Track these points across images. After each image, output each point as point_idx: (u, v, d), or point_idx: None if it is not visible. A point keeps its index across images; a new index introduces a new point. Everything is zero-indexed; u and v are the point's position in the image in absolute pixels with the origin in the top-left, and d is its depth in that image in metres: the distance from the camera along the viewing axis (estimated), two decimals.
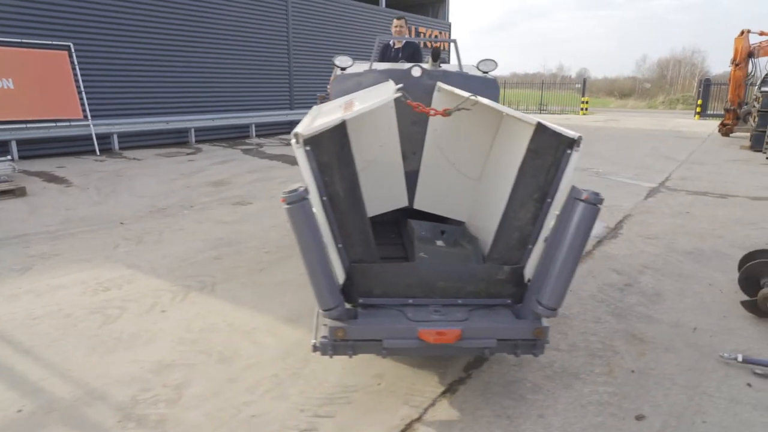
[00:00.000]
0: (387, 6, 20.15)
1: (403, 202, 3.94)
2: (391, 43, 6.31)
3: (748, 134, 13.91)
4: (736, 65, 15.38)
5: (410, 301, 2.54)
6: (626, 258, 4.94)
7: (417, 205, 3.94)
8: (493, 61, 4.23)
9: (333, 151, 2.42)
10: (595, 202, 2.16)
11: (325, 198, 2.38)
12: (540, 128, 2.47)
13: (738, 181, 8.81)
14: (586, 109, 27.99)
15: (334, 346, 2.40)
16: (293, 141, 2.21)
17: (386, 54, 6.24)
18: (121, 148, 11.75)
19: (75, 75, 10.76)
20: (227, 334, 3.42)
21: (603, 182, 8.65)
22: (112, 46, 11.47)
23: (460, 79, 3.89)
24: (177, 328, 3.49)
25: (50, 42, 10.45)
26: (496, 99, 3.80)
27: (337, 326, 2.36)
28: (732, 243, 5.39)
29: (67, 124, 10.63)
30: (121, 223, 5.96)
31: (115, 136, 11.60)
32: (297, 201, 2.09)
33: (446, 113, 2.91)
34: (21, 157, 10.17)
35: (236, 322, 3.59)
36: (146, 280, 4.32)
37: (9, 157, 8.49)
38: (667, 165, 10.48)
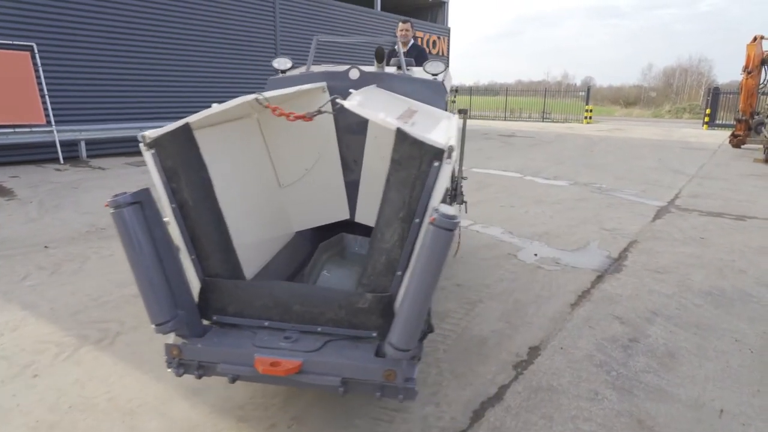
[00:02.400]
0: (383, 9, 19.41)
1: (344, 215, 3.75)
2: (396, 47, 6.08)
3: (762, 146, 13.04)
4: (748, 73, 14.50)
5: (266, 323, 2.33)
6: (632, 301, 4.08)
7: (358, 218, 3.69)
8: (442, 62, 3.71)
9: (178, 155, 2.27)
10: (444, 226, 1.83)
11: (174, 205, 2.27)
12: (400, 135, 2.11)
13: (755, 200, 7.93)
14: (590, 117, 27.14)
15: (179, 364, 2.27)
16: (140, 144, 2.19)
17: (390, 59, 6.10)
18: (89, 156, 10.98)
19: (38, 77, 10.01)
20: (102, 414, 2.59)
21: (606, 200, 7.80)
22: (81, 46, 10.72)
23: (401, 81, 3.52)
24: (41, 405, 2.66)
25: (11, 42, 9.71)
26: (441, 103, 3.49)
27: (172, 344, 2.24)
28: (757, 279, 4.53)
29: (28, 129, 9.86)
30: (46, 247, 5.15)
31: (83, 143, 10.82)
32: (121, 206, 2.02)
33: (306, 117, 2.45)
34: None
35: (122, 393, 2.76)
36: (36, 327, 3.49)
37: None
38: (676, 180, 9.62)
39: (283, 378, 2.11)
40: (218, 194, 2.52)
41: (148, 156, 2.22)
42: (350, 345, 2.22)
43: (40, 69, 10.03)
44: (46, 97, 10.06)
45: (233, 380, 2.24)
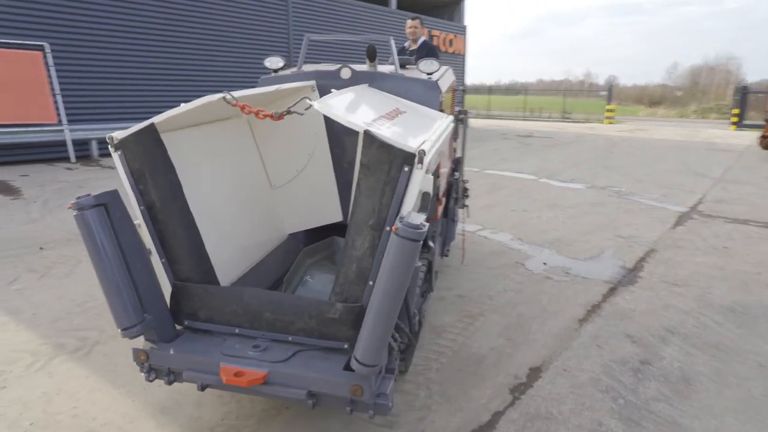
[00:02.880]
0: (398, 8, 19.17)
1: (337, 217, 3.64)
2: (406, 45, 6.19)
3: None
4: None
5: (237, 330, 2.28)
6: (646, 316, 3.79)
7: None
8: (436, 61, 3.54)
9: (144, 157, 2.21)
10: (408, 236, 1.74)
11: (142, 207, 2.24)
12: (368, 138, 2.01)
13: None
14: (612, 117, 26.50)
15: (150, 369, 2.22)
16: (109, 145, 2.18)
17: (403, 55, 5.98)
18: (101, 155, 10.96)
19: (50, 77, 10.02)
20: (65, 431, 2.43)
21: (624, 204, 7.46)
22: (93, 46, 10.72)
23: (394, 81, 3.40)
24: (1, 421, 2.51)
25: (23, 42, 9.73)
26: (435, 102, 3.37)
27: (140, 349, 2.20)
28: None
29: (40, 128, 9.88)
30: (41, 248, 5.05)
31: (94, 143, 10.81)
32: (84, 209, 1.97)
33: (274, 116, 2.33)
34: None
35: (88, 410, 2.60)
36: (15, 334, 3.36)
37: None
38: (700, 183, 9.19)
39: (249, 388, 2.04)
40: (191, 197, 2.44)
41: (115, 157, 2.20)
42: (321, 356, 2.14)
43: (52, 68, 10.04)
44: (58, 96, 10.06)
45: (202, 388, 2.18)
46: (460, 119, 5.01)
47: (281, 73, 3.66)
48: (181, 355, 2.17)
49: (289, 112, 2.31)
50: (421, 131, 2.56)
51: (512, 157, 12.50)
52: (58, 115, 10.13)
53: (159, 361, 2.20)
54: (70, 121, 10.24)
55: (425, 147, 2.02)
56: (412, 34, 6.23)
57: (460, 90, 6.56)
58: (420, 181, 1.98)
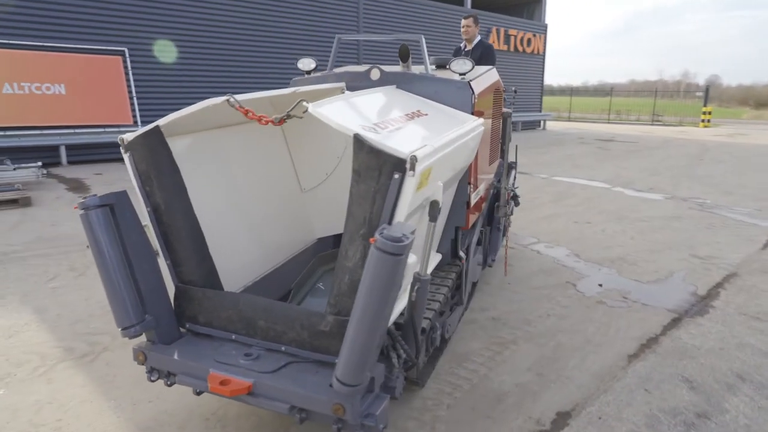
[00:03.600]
0: (473, 6, 18.62)
1: None
2: (462, 45, 6.00)
3: None
4: None
5: (233, 336, 2.26)
6: (713, 356, 3.20)
7: None
8: (470, 60, 3.22)
9: (150, 158, 2.20)
10: (386, 249, 1.59)
11: (149, 209, 2.25)
12: (358, 143, 1.88)
13: None
14: (708, 120, 24.28)
15: (152, 369, 2.21)
16: (120, 146, 2.22)
17: (456, 56, 5.57)
18: None
19: (128, 80, 10.58)
20: None
21: (707, 219, 6.61)
22: (169, 50, 11.20)
23: (423, 82, 3.22)
24: None
25: (105, 47, 10.34)
26: (466, 105, 3.14)
27: (139, 348, 2.21)
28: None
29: (116, 129, 10.45)
30: (87, 247, 5.19)
31: None
32: (88, 209, 2.02)
33: (275, 120, 2.17)
34: (69, 162, 10.12)
35: (71, 424, 2.50)
36: (33, 335, 3.40)
37: (39, 163, 8.26)
38: None
39: (238, 396, 2.00)
40: (202, 199, 2.46)
41: (126, 158, 2.23)
42: (311, 370, 2.06)
43: (130, 72, 10.59)
44: (134, 98, 10.60)
45: (197, 393, 2.23)
46: (504, 121, 4.65)
47: (313, 74, 3.58)
48: (175, 359, 2.15)
49: (288, 116, 2.15)
50: (432, 135, 2.35)
51: (587, 164, 11.66)
52: (134, 116, 10.68)
53: (156, 363, 2.19)
54: (143, 123, 10.75)
55: (421, 152, 1.87)
56: (466, 33, 5.88)
57: (512, 91, 6.02)
58: (413, 190, 1.84)
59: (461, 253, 3.34)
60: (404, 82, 3.22)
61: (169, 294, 2.30)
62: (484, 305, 3.94)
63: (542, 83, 22.19)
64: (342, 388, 1.75)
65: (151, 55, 10.98)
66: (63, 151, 10.03)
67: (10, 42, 9.29)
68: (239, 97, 2.27)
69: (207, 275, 2.41)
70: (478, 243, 3.99)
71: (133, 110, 10.63)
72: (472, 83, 3.28)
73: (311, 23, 13.59)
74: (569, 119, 30.02)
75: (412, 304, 2.18)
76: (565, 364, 3.12)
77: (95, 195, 2.04)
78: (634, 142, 16.85)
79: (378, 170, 1.85)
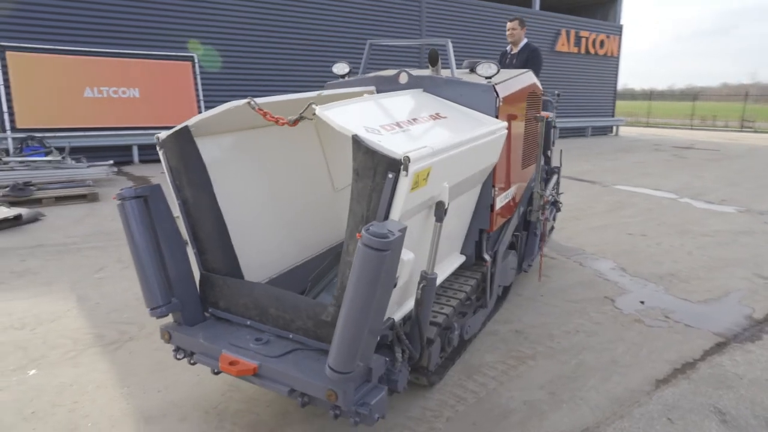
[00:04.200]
0: (542, 8, 18.07)
1: None
2: (508, 48, 5.93)
3: None
4: None
5: (248, 322, 2.45)
6: (755, 388, 2.89)
7: None
8: (496, 64, 3.23)
9: (179, 155, 2.38)
10: (371, 245, 1.68)
11: (179, 201, 2.44)
12: (356, 143, 1.98)
13: None
14: None
15: (177, 348, 2.43)
16: (156, 144, 2.41)
17: (503, 61, 5.88)
18: None
19: (196, 84, 11.15)
20: (49, 429, 2.49)
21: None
22: (232, 56, 11.70)
23: (448, 85, 3.24)
24: (12, 405, 2.67)
25: (177, 54, 10.96)
26: (490, 108, 3.13)
27: (165, 328, 2.43)
28: None
29: None
30: None
31: None
32: (125, 199, 2.21)
33: (289, 122, 2.28)
34: (141, 161, 10.80)
35: (84, 408, 2.65)
36: (72, 321, 3.64)
37: (111, 162, 8.88)
38: None
39: (246, 377, 2.17)
40: (228, 195, 2.63)
41: (160, 155, 2.42)
42: (314, 357, 2.20)
43: (198, 77, 11.16)
44: (201, 101, 11.15)
45: (216, 372, 2.38)
46: (546, 126, 4.51)
47: (347, 78, 3.71)
48: (194, 339, 2.35)
49: (301, 118, 2.27)
50: (441, 137, 2.41)
51: (657, 172, 10.97)
52: None
53: (179, 342, 2.41)
54: None
55: (416, 154, 1.96)
56: (511, 36, 5.77)
57: (554, 96, 5.75)
58: (407, 189, 1.92)
59: (486, 256, 3.32)
60: (431, 86, 3.25)
61: (196, 281, 2.51)
62: (510, 317, 3.79)
63: (615, 87, 21.13)
64: (333, 375, 1.84)
65: (216, 60, 11.50)
66: (135, 151, 10.72)
67: (92, 50, 10.06)
68: (261, 100, 2.42)
69: (229, 264, 2.59)
70: (512, 247, 3.95)
71: (200, 112, 11.17)
72: (497, 87, 3.23)
73: (374, 26, 13.72)
74: (647, 125, 28.41)
75: (417, 302, 2.28)
76: (584, 384, 2.93)
77: (131, 187, 2.25)
78: (716, 150, 15.67)
79: (373, 170, 1.94)
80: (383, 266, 1.70)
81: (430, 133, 2.47)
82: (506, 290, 4.13)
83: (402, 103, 2.87)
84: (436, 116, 2.76)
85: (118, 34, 10.37)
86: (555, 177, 4.98)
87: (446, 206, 2.30)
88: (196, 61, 11.14)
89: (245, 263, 2.72)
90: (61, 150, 8.63)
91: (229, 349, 2.22)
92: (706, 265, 5.01)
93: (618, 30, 20.38)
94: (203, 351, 2.34)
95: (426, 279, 2.24)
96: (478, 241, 3.30)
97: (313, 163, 3.38)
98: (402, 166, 1.90)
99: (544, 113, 4.63)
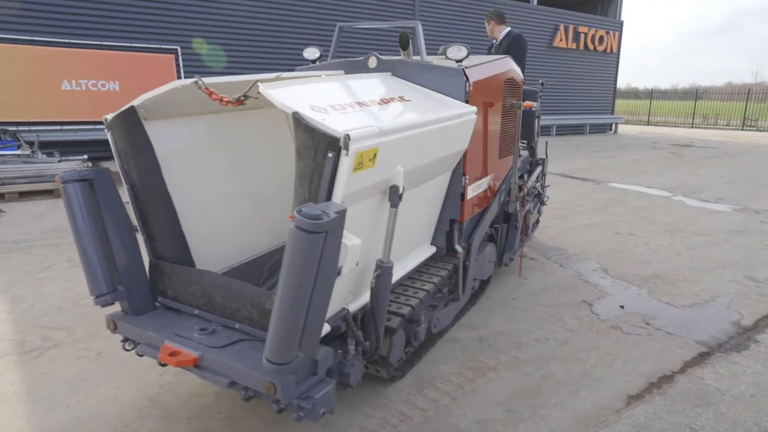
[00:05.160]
0: (540, 3, 17.71)
1: None
2: (493, 42, 5.73)
3: None
4: None
5: (196, 311, 2.35)
6: (739, 404, 2.58)
7: None
8: (466, 47, 3.09)
9: (126, 137, 2.29)
10: (303, 227, 1.57)
11: (127, 186, 2.34)
12: (296, 121, 1.86)
13: None
14: None
15: (125, 339, 2.35)
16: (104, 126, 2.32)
17: (489, 52, 5.67)
18: None
19: (179, 77, 10.85)
20: None
21: None
22: (218, 48, 11.40)
23: (416, 69, 3.12)
24: None
25: (159, 46, 10.66)
26: (459, 92, 2.98)
27: (111, 317, 2.34)
28: None
29: None
30: None
31: None
32: (67, 182, 2.11)
33: (233, 101, 2.14)
34: None
35: None
36: None
37: (84, 156, 8.60)
38: None
39: (186, 367, 2.07)
40: (184, 181, 2.52)
41: (109, 137, 2.32)
42: (260, 348, 1.97)
43: (182, 70, 10.86)
44: None
45: (160, 364, 2.20)
46: (531, 116, 4.44)
47: (318, 63, 3.60)
48: (138, 329, 2.24)
49: (246, 97, 2.13)
50: (398, 119, 2.29)
51: (652, 169, 10.64)
52: None
53: (124, 332, 2.30)
54: None
55: (358, 132, 1.85)
56: (491, 33, 5.51)
57: (539, 85, 5.43)
58: (348, 170, 1.83)
59: (457, 247, 3.18)
60: (400, 70, 3.11)
61: (146, 269, 2.40)
62: (476, 322, 3.49)
63: (615, 84, 20.75)
64: (270, 366, 1.73)
65: (203, 52, 11.21)
66: None
67: (71, 41, 9.76)
68: (210, 79, 2.30)
69: (179, 252, 2.49)
70: (491, 240, 3.81)
71: None
72: (467, 70, 3.04)
73: (364, 18, 13.40)
74: (648, 123, 28.02)
75: (372, 291, 2.21)
76: (547, 400, 2.62)
77: (75, 170, 2.15)
78: (715, 147, 15.31)
79: (314, 149, 1.85)
80: (317, 250, 1.60)
81: (385, 114, 2.32)
82: (484, 284, 3.96)
83: (362, 85, 2.70)
84: (399, 99, 2.62)
85: (99, 25, 10.06)
86: (539, 168, 4.72)
87: (401, 191, 2.19)
88: (179, 53, 10.84)
89: (200, 252, 2.62)
90: (31, 144, 8.34)
91: (172, 339, 2.13)
92: (695, 266, 4.69)
93: (618, 26, 20.00)
94: (147, 341, 2.22)
95: (381, 267, 2.18)
96: (450, 231, 3.15)
97: (281, 153, 3.21)
98: (342, 145, 1.80)
99: (526, 102, 4.45)
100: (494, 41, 5.59)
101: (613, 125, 20.95)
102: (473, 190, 3.25)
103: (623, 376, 2.86)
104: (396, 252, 2.51)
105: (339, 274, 1.84)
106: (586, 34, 18.76)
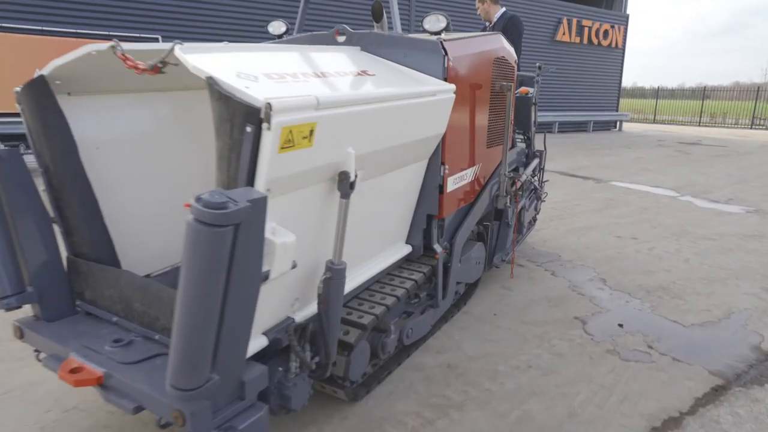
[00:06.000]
0: None
1: None
2: (486, 25, 5.27)
3: None
4: None
5: (115, 319, 2.02)
6: None
7: None
8: (444, 16, 2.74)
9: (35, 113, 1.96)
10: (202, 219, 1.27)
11: (41, 170, 2.05)
12: (210, 88, 1.52)
13: None
14: None
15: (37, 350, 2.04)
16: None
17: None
18: None
19: None
20: None
21: None
22: (199, 39, 10.91)
23: (391, 43, 2.72)
24: None
25: (139, 35, 10.17)
26: (436, 68, 2.59)
27: (18, 323, 2.04)
28: None
29: None
30: None
31: None
32: None
33: (148, 68, 1.70)
34: None
35: None
36: None
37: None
38: None
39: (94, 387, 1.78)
40: (102, 167, 2.18)
41: (20, 111, 2.01)
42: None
43: None
44: None
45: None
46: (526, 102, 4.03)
47: (285, 38, 3.22)
48: (45, 338, 1.96)
49: (163, 64, 1.71)
50: (345, 92, 1.97)
51: (657, 168, 10.06)
52: None
53: (31, 340, 2.01)
54: None
55: (285, 102, 1.52)
56: (484, 12, 4.95)
57: (536, 70, 4.91)
58: (273, 149, 1.51)
59: (436, 247, 2.82)
60: (371, 44, 2.72)
61: (64, 266, 2.11)
62: (446, 343, 2.95)
63: (620, 80, 20.11)
64: (173, 393, 1.42)
65: (184, 40, 10.69)
66: None
67: (46, 29, 9.27)
68: (131, 45, 1.85)
69: (101, 250, 2.18)
70: (479, 239, 3.47)
71: None
72: (446, 44, 2.63)
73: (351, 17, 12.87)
74: (653, 121, 27.37)
75: (320, 298, 1.88)
76: None
77: None
78: (724, 146, 14.69)
79: (230, 122, 1.52)
80: (224, 248, 1.31)
81: (335, 86, 1.98)
82: (472, 287, 3.54)
83: (318, 57, 2.31)
84: (361, 73, 2.29)
85: (76, 12, 9.60)
86: (536, 161, 4.23)
87: (353, 179, 1.85)
88: (160, 42, 10.32)
89: (127, 252, 2.29)
90: None
91: (80, 352, 1.82)
92: (706, 276, 4.14)
93: (624, 20, 19.36)
94: (53, 353, 1.92)
95: (332, 270, 1.85)
96: (427, 228, 2.79)
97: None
98: (263, 116, 1.47)
99: (522, 88, 4.04)
100: (487, 24, 5.08)
101: (618, 123, 20.35)
102: (454, 182, 2.88)
103: (619, 417, 2.31)
104: (359, 252, 2.26)
105: (266, 278, 1.53)
106: (590, 28, 18.14)
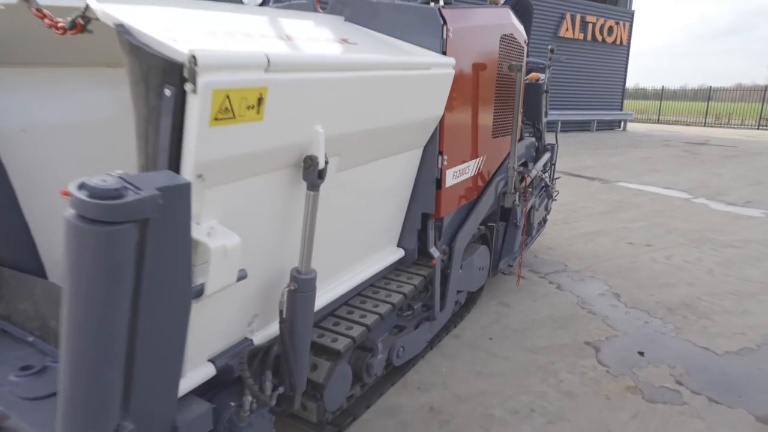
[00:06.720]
0: None
1: None
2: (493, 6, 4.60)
3: None
4: None
5: (31, 338, 1.68)
6: None
7: None
8: None
9: None
10: (84, 214, 0.94)
11: None
12: (120, 37, 1.16)
13: None
14: None
15: None
16: None
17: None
18: None
19: None
20: None
21: None
22: None
23: (379, 11, 2.31)
24: None
25: None
26: (433, 40, 2.18)
27: None
28: None
29: None
30: None
31: None
32: None
33: (67, 26, 1.26)
34: None
35: None
36: None
37: None
38: None
39: None
40: (27, 157, 1.83)
41: None
42: None
43: None
44: None
45: None
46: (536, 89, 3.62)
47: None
48: None
49: (86, 20, 1.28)
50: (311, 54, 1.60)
51: (666, 168, 9.53)
52: None
53: None
54: None
55: (225, 58, 1.15)
56: None
57: (548, 53, 4.40)
58: (202, 118, 1.12)
59: (432, 250, 2.48)
60: (357, 13, 2.33)
61: None
62: (429, 378, 2.42)
63: (624, 79, 19.59)
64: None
65: None
66: None
67: None
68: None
69: (22, 256, 1.85)
70: (483, 242, 3.12)
71: None
72: (444, 11, 2.25)
73: None
74: (657, 121, 26.85)
75: (282, 316, 1.53)
76: None
77: None
78: (733, 146, 14.15)
79: (144, 82, 1.14)
80: (120, 255, 0.96)
81: (302, 50, 1.63)
82: (474, 296, 3.17)
83: (285, 21, 1.89)
84: (340, 41, 1.89)
85: None
86: (547, 155, 3.76)
87: (321, 165, 1.48)
88: None
89: (58, 261, 1.91)
90: None
91: None
92: (734, 289, 3.60)
93: (629, 16, 18.83)
94: None
95: (297, 280, 1.52)
96: (422, 229, 2.46)
97: None
98: (186, 73, 1.09)
99: (532, 74, 3.65)
100: (494, 6, 4.64)
101: (622, 122, 19.82)
102: (455, 176, 2.53)
103: None
104: (337, 258, 1.92)
105: (200, 294, 1.20)
106: (594, 24, 17.61)
